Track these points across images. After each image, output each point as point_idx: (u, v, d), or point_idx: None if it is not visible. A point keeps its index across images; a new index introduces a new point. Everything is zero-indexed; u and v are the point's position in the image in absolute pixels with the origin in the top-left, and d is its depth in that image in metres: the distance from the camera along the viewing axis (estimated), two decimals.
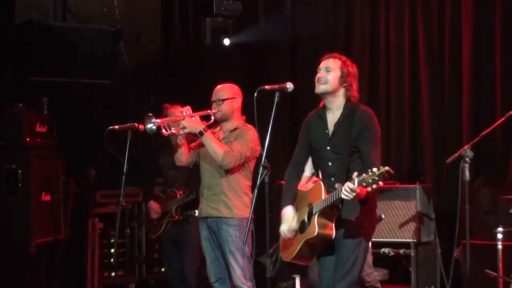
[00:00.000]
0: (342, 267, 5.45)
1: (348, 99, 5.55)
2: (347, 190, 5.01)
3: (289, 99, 9.15)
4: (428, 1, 9.00)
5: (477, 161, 8.00)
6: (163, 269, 9.69)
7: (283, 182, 6.04)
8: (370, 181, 4.90)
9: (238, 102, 6.56)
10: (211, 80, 7.02)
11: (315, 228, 5.33)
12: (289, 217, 5.61)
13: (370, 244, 5.79)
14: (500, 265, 7.09)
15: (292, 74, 9.81)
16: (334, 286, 5.47)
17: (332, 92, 5.54)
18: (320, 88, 5.55)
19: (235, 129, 6.53)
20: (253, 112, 5.55)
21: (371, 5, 9.54)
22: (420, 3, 9.03)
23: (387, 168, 4.87)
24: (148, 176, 7.93)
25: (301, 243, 5.48)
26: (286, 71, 10.00)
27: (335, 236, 5.36)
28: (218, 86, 6.61)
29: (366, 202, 5.36)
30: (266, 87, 5.52)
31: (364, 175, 4.93)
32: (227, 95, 6.52)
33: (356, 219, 5.39)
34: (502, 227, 7.12)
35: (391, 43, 9.29)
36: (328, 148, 5.54)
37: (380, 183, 4.91)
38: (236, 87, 6.62)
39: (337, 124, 5.53)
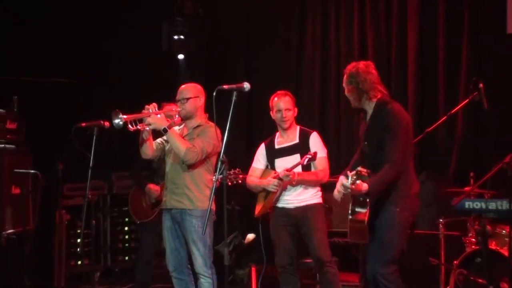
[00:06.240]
0: (379, 249, 5.84)
1: (377, 100, 5.91)
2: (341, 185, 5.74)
3: (246, 98, 9.18)
4: (376, 5, 9.09)
5: (421, 156, 8.13)
6: (127, 258, 9.76)
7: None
8: (355, 177, 5.47)
9: (201, 101, 6.58)
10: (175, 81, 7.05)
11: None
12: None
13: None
14: (442, 253, 7.22)
15: (248, 74, 9.86)
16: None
17: (359, 102, 5.95)
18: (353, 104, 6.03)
19: (198, 126, 6.55)
20: (213, 110, 5.59)
21: (322, 8, 9.65)
22: (370, 7, 9.13)
23: (359, 168, 5.43)
24: (139, 167, 7.92)
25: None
26: (243, 71, 10.05)
27: (376, 221, 5.83)
28: (182, 86, 6.64)
29: (393, 192, 5.77)
30: (224, 86, 5.57)
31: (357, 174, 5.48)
32: (191, 94, 6.53)
33: (388, 207, 5.79)
34: (444, 218, 7.24)
35: (342, 43, 9.41)
36: (366, 142, 5.96)
37: (358, 181, 5.48)
38: (199, 86, 6.64)
39: (369, 121, 5.93)
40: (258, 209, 7.11)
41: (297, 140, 7.02)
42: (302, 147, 6.92)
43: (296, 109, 7.06)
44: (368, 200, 5.72)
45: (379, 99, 5.89)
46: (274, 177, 6.88)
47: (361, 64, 5.97)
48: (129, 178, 8.72)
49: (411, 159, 5.93)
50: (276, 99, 7.03)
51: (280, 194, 6.94)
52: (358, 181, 5.51)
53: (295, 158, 6.88)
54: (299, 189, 6.94)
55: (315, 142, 6.98)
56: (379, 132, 5.78)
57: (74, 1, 9.83)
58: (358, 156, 6.12)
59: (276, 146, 7.09)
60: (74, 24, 9.82)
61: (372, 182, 5.63)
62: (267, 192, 7.01)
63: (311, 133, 7.04)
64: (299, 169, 6.83)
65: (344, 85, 6.02)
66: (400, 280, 5.85)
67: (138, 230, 9.44)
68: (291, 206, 6.96)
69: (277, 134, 7.15)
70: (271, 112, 7.07)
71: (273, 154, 7.08)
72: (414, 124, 8.37)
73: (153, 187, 7.71)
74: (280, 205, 7.01)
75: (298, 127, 7.10)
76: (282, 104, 6.97)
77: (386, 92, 6.00)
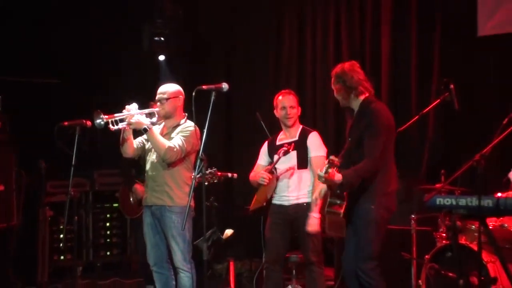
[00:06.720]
0: (357, 246, 5.89)
1: (364, 98, 5.99)
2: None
3: (224, 98, 9.24)
4: (351, 9, 9.19)
5: (394, 155, 8.21)
6: (108, 253, 9.79)
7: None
8: (327, 166, 5.56)
9: (180, 101, 6.65)
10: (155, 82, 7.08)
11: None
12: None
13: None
14: (414, 248, 7.30)
15: (227, 75, 9.92)
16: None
17: (347, 101, 6.04)
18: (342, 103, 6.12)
19: (177, 125, 6.61)
20: (192, 110, 5.66)
21: (299, 9, 9.75)
22: (345, 12, 9.23)
23: (331, 157, 5.56)
24: (127, 165, 7.95)
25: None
26: (222, 72, 10.11)
27: (353, 218, 5.90)
28: (162, 86, 6.69)
29: (370, 189, 5.83)
30: (203, 87, 5.64)
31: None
32: (170, 94, 6.59)
33: (364, 204, 5.85)
34: (416, 214, 7.31)
35: (317, 46, 9.49)
36: (350, 139, 6.02)
37: (330, 170, 5.54)
38: (178, 86, 6.70)
39: (354, 119, 6.00)
40: (252, 202, 7.20)
41: (296, 138, 7.07)
42: (300, 145, 6.98)
43: (300, 108, 7.15)
44: (344, 193, 5.81)
45: (365, 98, 5.98)
46: (265, 170, 6.98)
47: (346, 64, 6.07)
48: (119, 176, 8.77)
49: (391, 157, 6.03)
50: (280, 97, 7.11)
51: (273, 188, 7.01)
52: (330, 170, 5.59)
53: (292, 154, 6.95)
54: (294, 185, 6.98)
55: (313, 141, 7.03)
56: (362, 129, 5.86)
57: (60, 2, 9.84)
58: (345, 153, 6.12)
59: (277, 142, 7.17)
60: (59, 25, 9.83)
61: (347, 173, 5.70)
62: (260, 186, 7.09)
63: (311, 132, 7.10)
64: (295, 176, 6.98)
65: (332, 86, 6.10)
66: (382, 276, 5.90)
67: (121, 226, 9.52)
68: (286, 203, 6.99)
69: (281, 132, 7.23)
70: (275, 110, 7.14)
71: (273, 150, 7.14)
72: None
73: (139, 187, 7.76)
74: (277, 202, 7.05)
75: (300, 126, 7.16)
76: (286, 102, 7.05)
77: (372, 90, 6.09)
